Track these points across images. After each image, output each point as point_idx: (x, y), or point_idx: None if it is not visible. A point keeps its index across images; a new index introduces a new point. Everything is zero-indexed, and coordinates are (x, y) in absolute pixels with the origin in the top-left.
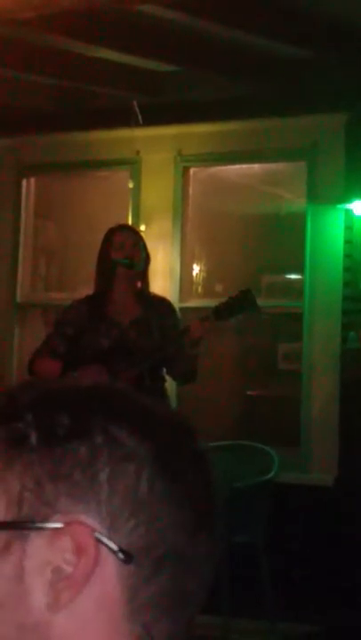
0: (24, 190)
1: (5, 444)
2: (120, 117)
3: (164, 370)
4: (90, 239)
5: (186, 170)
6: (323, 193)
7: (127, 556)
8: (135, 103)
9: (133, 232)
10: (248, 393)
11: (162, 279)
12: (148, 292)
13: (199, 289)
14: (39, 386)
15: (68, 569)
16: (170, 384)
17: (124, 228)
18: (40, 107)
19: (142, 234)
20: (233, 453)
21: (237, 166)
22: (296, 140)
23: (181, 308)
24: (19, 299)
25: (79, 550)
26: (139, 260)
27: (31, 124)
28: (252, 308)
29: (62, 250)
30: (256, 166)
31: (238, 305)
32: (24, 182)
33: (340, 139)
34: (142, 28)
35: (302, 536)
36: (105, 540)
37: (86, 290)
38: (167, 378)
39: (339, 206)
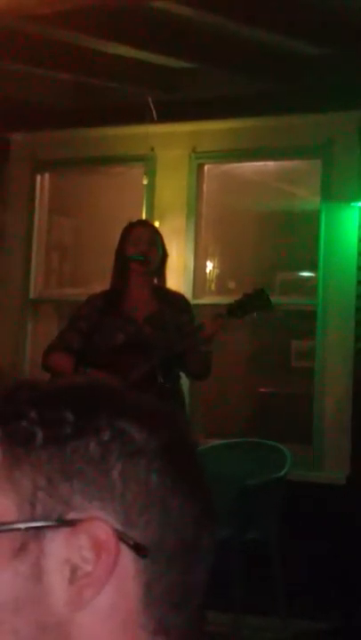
0: (38, 186)
1: (10, 443)
2: (135, 114)
3: (179, 367)
4: (104, 235)
5: (200, 167)
6: (337, 191)
7: (143, 551)
8: (150, 99)
9: (150, 228)
10: (261, 390)
11: (175, 276)
12: (164, 288)
13: (213, 286)
14: (37, 384)
15: (88, 567)
16: (183, 381)
17: (141, 223)
18: (55, 102)
19: None
20: (246, 451)
21: (252, 163)
22: (311, 137)
23: (195, 305)
24: (32, 294)
25: (98, 547)
26: (154, 256)
27: (46, 119)
28: (266, 306)
29: (76, 246)
30: (270, 163)
31: (252, 303)
32: (38, 178)
33: (354, 136)
34: (158, 24)
35: (314, 533)
36: (119, 535)
37: (100, 286)
38: (181, 375)
39: (353, 204)
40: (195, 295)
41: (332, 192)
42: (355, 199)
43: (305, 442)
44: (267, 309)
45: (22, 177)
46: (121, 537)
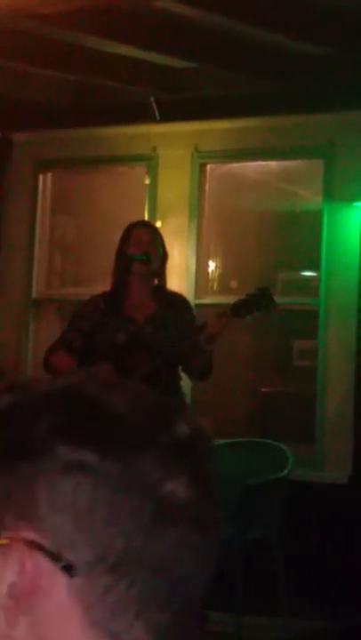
0: (41, 185)
1: None
2: (137, 113)
3: (180, 367)
4: (106, 235)
5: (202, 166)
6: (339, 191)
7: (72, 570)
8: (153, 99)
9: (151, 228)
10: (263, 390)
11: (178, 276)
12: (165, 289)
13: (215, 286)
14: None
15: (15, 586)
16: (185, 382)
17: (142, 224)
18: (57, 102)
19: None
20: (248, 450)
21: (254, 163)
22: (313, 137)
23: (197, 305)
24: (34, 294)
25: (22, 566)
26: (155, 256)
27: (48, 119)
28: (269, 305)
29: (78, 245)
30: (273, 163)
31: (256, 302)
32: (41, 177)
33: (357, 136)
34: (161, 24)
35: (316, 533)
36: (46, 554)
37: (102, 285)
38: (183, 375)
39: (355, 204)
40: (197, 295)
41: (334, 192)
42: (357, 199)
43: (307, 441)
44: (270, 308)
45: (24, 177)
46: (50, 557)
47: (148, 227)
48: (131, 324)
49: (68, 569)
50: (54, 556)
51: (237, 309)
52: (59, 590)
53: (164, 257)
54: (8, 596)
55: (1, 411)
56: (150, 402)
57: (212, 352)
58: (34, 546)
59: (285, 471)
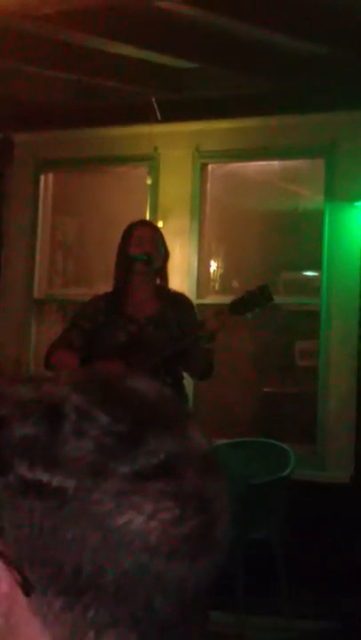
0: (42, 186)
1: None
2: (139, 113)
3: (182, 367)
4: (107, 235)
5: (204, 166)
6: (341, 190)
7: (28, 587)
8: (154, 99)
9: (153, 228)
10: (265, 390)
11: (179, 275)
12: (167, 288)
13: (216, 285)
14: None
15: None
16: (188, 381)
17: (143, 223)
18: (58, 102)
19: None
20: (249, 450)
21: (255, 163)
22: (314, 137)
23: (199, 305)
24: (36, 294)
25: None
26: (156, 256)
27: (50, 119)
28: (268, 302)
29: (80, 245)
30: (274, 163)
31: (255, 300)
32: (42, 178)
33: (358, 136)
34: (162, 24)
35: (318, 533)
36: (7, 564)
37: (104, 285)
38: (185, 376)
39: (357, 204)
40: (199, 294)
41: (335, 192)
42: (358, 199)
43: (309, 441)
44: (269, 305)
45: (26, 177)
46: (11, 567)
47: (150, 226)
48: (132, 323)
49: (25, 586)
50: (16, 568)
51: (236, 307)
52: (21, 604)
53: (165, 256)
54: None
55: None
56: (133, 419)
57: (212, 351)
58: None
59: (287, 471)
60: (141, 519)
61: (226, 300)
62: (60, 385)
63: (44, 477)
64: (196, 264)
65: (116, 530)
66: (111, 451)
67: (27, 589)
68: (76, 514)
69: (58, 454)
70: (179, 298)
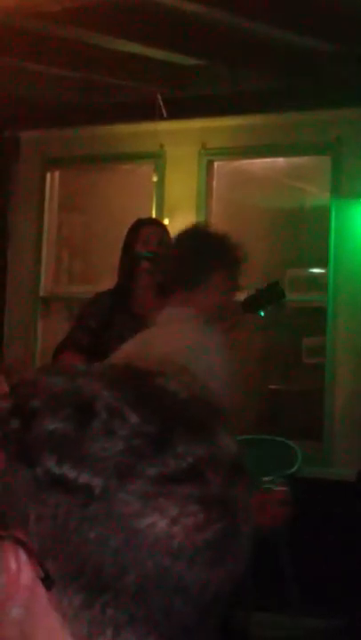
0: (48, 183)
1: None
2: (144, 111)
3: None
4: (114, 232)
5: (210, 163)
6: (347, 187)
7: (49, 582)
8: (160, 96)
9: (160, 226)
10: (272, 387)
11: None
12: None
13: None
14: (20, 398)
15: (6, 580)
16: None
17: (151, 221)
18: (64, 100)
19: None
20: (256, 448)
21: (261, 160)
22: (320, 134)
23: None
24: (42, 292)
25: (7, 564)
26: (163, 254)
27: (55, 117)
28: (280, 298)
29: (86, 243)
30: (280, 160)
31: (266, 297)
32: (48, 175)
33: None
34: (167, 21)
35: (325, 530)
36: (30, 556)
37: (110, 283)
38: None
39: None
40: None
41: (341, 189)
42: None
43: (315, 438)
44: (281, 301)
45: (32, 175)
46: (33, 560)
47: (157, 224)
48: (137, 322)
49: (46, 580)
50: (38, 561)
51: (248, 305)
52: (41, 596)
53: None
54: (3, 586)
55: (25, 408)
56: (163, 420)
57: None
58: (21, 544)
59: (294, 468)
60: (165, 522)
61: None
62: (93, 380)
63: (72, 474)
64: None
65: (139, 532)
66: (139, 452)
67: (48, 584)
68: (100, 513)
69: (86, 452)
70: None
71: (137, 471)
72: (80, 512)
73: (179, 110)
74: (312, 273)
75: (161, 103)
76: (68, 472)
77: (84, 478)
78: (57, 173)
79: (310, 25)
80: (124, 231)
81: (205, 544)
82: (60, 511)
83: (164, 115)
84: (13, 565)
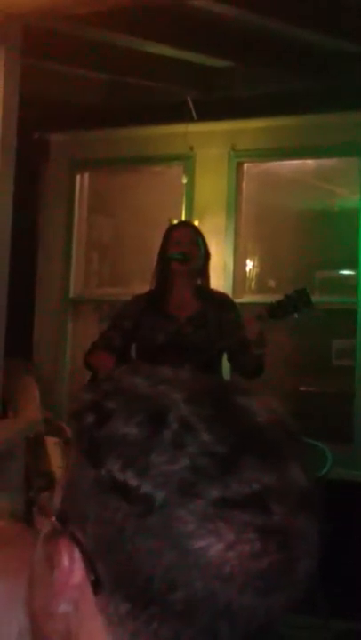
0: (78, 186)
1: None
2: (174, 113)
3: (231, 367)
4: (143, 235)
5: (239, 165)
6: None
7: (98, 586)
8: (189, 98)
9: (192, 228)
10: (301, 389)
11: (215, 275)
12: (208, 288)
13: (253, 285)
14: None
15: (58, 575)
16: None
17: (182, 224)
18: (93, 102)
19: None
20: None
21: (291, 162)
22: (350, 135)
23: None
24: (72, 294)
25: (60, 559)
26: (195, 256)
27: (85, 119)
28: (306, 306)
29: (115, 245)
30: (310, 162)
31: (293, 304)
32: (78, 178)
33: None
34: (196, 23)
35: (354, 533)
36: (83, 555)
37: (139, 285)
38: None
39: None
40: (235, 294)
41: None
42: None
43: (346, 441)
44: (308, 309)
45: (61, 177)
46: (86, 560)
47: (189, 226)
48: (171, 323)
49: (96, 584)
50: (90, 563)
51: (274, 311)
52: (89, 597)
53: (206, 256)
54: (54, 580)
55: (103, 408)
56: (235, 442)
57: (263, 355)
58: (77, 543)
59: (324, 471)
60: (220, 547)
61: (262, 299)
62: (175, 388)
63: (134, 482)
64: (231, 263)
65: (192, 552)
66: (205, 472)
67: (96, 588)
68: (157, 526)
69: (152, 462)
70: (220, 298)
71: (199, 490)
72: (137, 522)
73: (208, 112)
74: (342, 275)
75: (191, 105)
76: (131, 479)
77: (145, 488)
78: (86, 175)
79: (341, 26)
80: (154, 233)
81: (258, 574)
82: (117, 517)
83: (194, 117)
84: (66, 563)
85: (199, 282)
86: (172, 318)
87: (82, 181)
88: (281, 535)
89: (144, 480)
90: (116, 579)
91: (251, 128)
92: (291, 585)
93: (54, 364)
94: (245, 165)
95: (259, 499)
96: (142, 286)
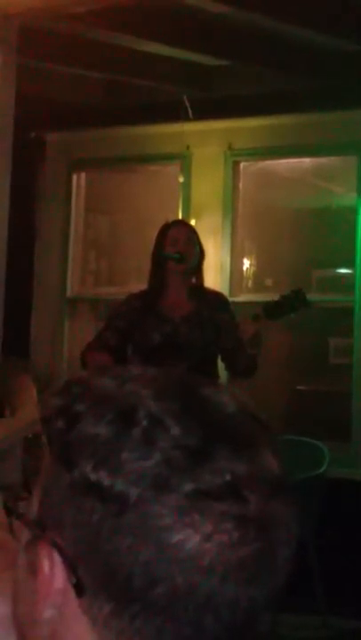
0: (74, 185)
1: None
2: (170, 112)
3: (225, 366)
4: (140, 234)
5: (236, 164)
6: None
7: (79, 589)
8: (186, 97)
9: (187, 227)
10: (299, 388)
11: (212, 274)
12: (202, 288)
13: (249, 283)
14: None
15: (41, 580)
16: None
17: (178, 223)
18: (90, 101)
19: None
20: (284, 448)
21: (288, 160)
22: (347, 134)
23: (231, 303)
24: (69, 293)
25: (40, 564)
26: (191, 255)
27: (81, 118)
28: (302, 306)
29: (112, 244)
30: (306, 160)
31: (289, 304)
32: (74, 177)
33: None
34: (193, 22)
35: (352, 530)
36: (64, 559)
37: (136, 284)
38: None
39: None
40: (231, 293)
41: None
42: None
43: (343, 439)
44: (304, 309)
45: (58, 176)
46: (67, 564)
47: (185, 225)
48: (166, 323)
49: (78, 587)
50: (71, 567)
51: (270, 311)
52: (72, 600)
53: (200, 255)
54: (37, 586)
55: (76, 409)
56: (204, 434)
57: (255, 356)
58: (56, 548)
59: (322, 469)
60: (198, 539)
61: (259, 298)
62: (142, 386)
63: (107, 481)
64: (228, 262)
65: (170, 546)
66: (177, 465)
67: (79, 591)
68: (133, 524)
69: (123, 460)
70: (215, 297)
71: (173, 484)
72: (113, 521)
73: (205, 111)
74: (339, 273)
75: (187, 104)
76: (104, 479)
77: (119, 487)
78: (83, 175)
79: (337, 25)
80: (151, 232)
81: (239, 563)
82: (93, 518)
83: (190, 116)
84: (47, 568)
85: (193, 281)
86: (167, 318)
87: (78, 180)
88: (258, 523)
89: (117, 478)
90: (98, 579)
91: (247, 127)
92: (271, 573)
93: (51, 363)
94: (242, 164)
95: (233, 488)
96: (139, 285)
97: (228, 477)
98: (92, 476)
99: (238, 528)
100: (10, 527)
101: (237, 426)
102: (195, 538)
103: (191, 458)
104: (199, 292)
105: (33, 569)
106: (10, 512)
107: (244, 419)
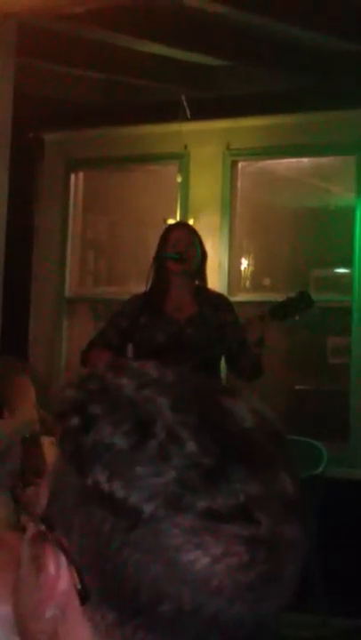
0: (73, 184)
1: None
2: (168, 111)
3: (229, 369)
4: (138, 233)
5: (234, 164)
6: None
7: (83, 595)
8: (184, 97)
9: (188, 229)
10: (297, 387)
11: (210, 273)
12: (205, 289)
13: (248, 283)
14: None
15: (44, 580)
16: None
17: (179, 225)
18: (88, 101)
19: None
20: None
21: (286, 160)
22: (345, 134)
23: None
24: (67, 293)
25: (46, 565)
26: (192, 256)
27: (79, 118)
28: (308, 308)
29: (111, 244)
30: (305, 160)
31: (295, 306)
32: (73, 176)
33: None
34: (191, 22)
35: (352, 530)
36: (70, 562)
37: (135, 284)
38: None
39: None
40: (230, 292)
41: None
42: None
43: (341, 439)
44: (309, 310)
45: (56, 176)
46: (72, 566)
47: (186, 227)
48: (171, 324)
49: (82, 594)
50: (76, 572)
51: (276, 312)
52: (76, 604)
53: (203, 257)
54: (42, 585)
55: (87, 413)
56: (221, 452)
57: (259, 355)
58: (63, 550)
59: (320, 469)
60: (207, 560)
61: (257, 297)
62: (160, 392)
63: (121, 493)
64: (226, 262)
65: (180, 566)
66: (192, 485)
67: (82, 597)
68: (144, 540)
69: (138, 474)
70: (218, 299)
71: (186, 504)
72: (124, 534)
73: (203, 111)
74: (337, 273)
75: (185, 104)
76: (118, 491)
77: (133, 501)
78: (81, 174)
79: (336, 25)
80: (149, 232)
81: (247, 585)
82: (104, 529)
83: (188, 115)
84: (52, 569)
85: (197, 282)
86: (172, 319)
87: (77, 180)
88: (268, 545)
89: (131, 492)
90: (103, 589)
91: (245, 126)
92: (278, 592)
93: (50, 363)
94: (240, 164)
95: (245, 510)
96: (138, 285)
97: (241, 499)
98: (106, 487)
99: (248, 551)
100: (13, 519)
101: (254, 443)
102: (204, 560)
103: (205, 477)
104: (203, 293)
105: (37, 565)
106: (17, 500)
107: (262, 435)
